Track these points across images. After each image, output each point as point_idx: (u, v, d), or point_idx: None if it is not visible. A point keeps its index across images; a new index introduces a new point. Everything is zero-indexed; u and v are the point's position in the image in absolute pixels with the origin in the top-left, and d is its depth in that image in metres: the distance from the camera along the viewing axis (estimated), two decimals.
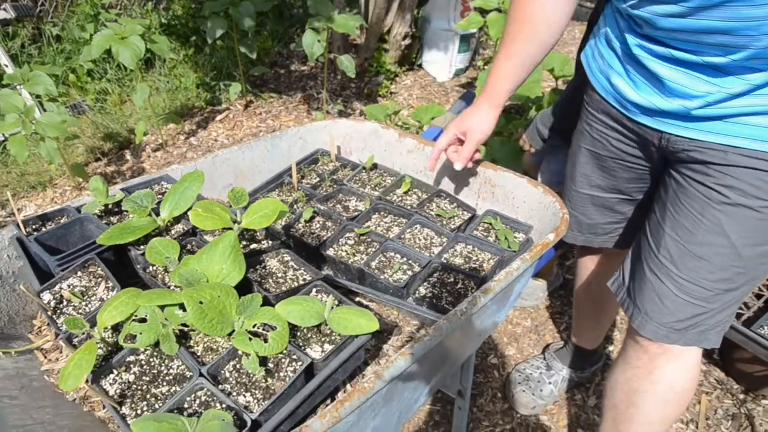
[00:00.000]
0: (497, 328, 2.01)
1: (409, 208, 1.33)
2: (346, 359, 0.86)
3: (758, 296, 1.70)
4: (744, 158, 0.92)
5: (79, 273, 1.03)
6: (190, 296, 0.80)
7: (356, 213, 1.31)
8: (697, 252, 1.00)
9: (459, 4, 3.51)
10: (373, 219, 1.32)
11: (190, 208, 1.05)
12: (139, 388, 0.82)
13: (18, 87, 2.37)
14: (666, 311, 1.06)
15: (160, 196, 1.20)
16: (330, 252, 1.18)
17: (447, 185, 1.41)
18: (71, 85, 3.26)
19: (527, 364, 1.82)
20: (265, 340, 0.83)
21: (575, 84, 1.66)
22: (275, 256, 1.06)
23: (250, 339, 0.82)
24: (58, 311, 0.97)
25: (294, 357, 0.85)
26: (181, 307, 0.86)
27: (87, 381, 0.80)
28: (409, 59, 3.79)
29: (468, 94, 1.70)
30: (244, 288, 0.92)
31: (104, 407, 0.89)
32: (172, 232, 1.10)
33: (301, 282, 1.00)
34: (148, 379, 0.84)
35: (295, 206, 1.36)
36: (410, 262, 1.16)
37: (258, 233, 1.12)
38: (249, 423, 0.74)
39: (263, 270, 1.02)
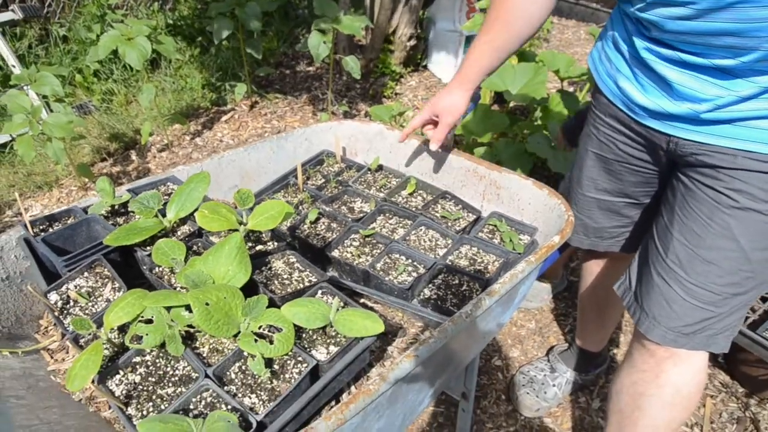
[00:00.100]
0: (501, 329, 2.01)
1: (414, 209, 1.33)
2: (351, 361, 0.86)
3: (764, 299, 1.69)
4: (754, 162, 0.91)
5: (86, 274, 1.03)
6: (197, 298, 0.80)
7: (361, 214, 1.32)
8: (706, 256, 1.00)
9: (464, 5, 3.51)
10: (378, 220, 1.32)
11: (196, 210, 1.06)
12: (145, 388, 0.83)
13: (25, 87, 2.39)
14: (674, 315, 1.05)
15: (166, 197, 1.20)
16: (335, 253, 1.18)
17: (452, 187, 1.41)
18: (78, 85, 3.28)
19: (531, 367, 1.81)
20: (271, 342, 0.83)
21: None
22: (281, 258, 1.06)
23: (255, 340, 0.82)
24: (65, 312, 0.97)
25: (299, 359, 0.85)
26: (188, 308, 0.86)
27: (93, 381, 0.80)
28: (415, 60, 3.79)
29: (474, 95, 1.69)
30: (249, 289, 0.92)
31: (110, 408, 0.90)
32: (179, 233, 1.10)
33: (307, 284, 1.01)
34: (154, 380, 0.84)
35: (300, 207, 1.36)
36: (415, 263, 1.16)
37: (264, 234, 1.13)
38: (254, 424, 0.74)
39: (269, 271, 1.02)
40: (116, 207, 1.18)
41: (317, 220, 1.30)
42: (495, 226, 1.28)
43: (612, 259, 1.46)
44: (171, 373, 0.85)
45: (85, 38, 3.44)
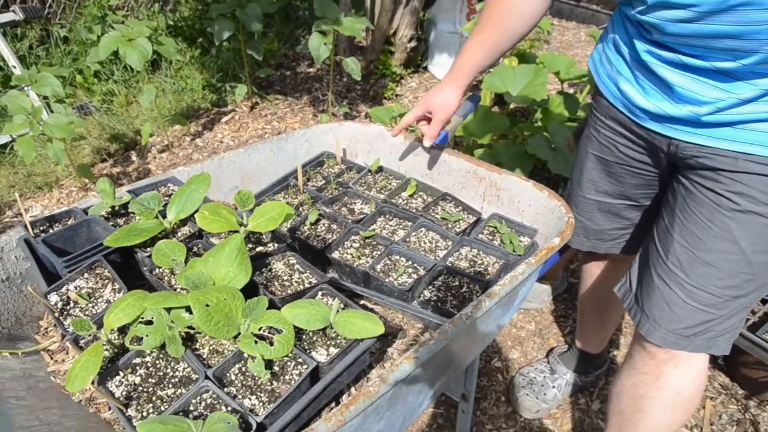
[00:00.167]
0: (501, 331, 2.01)
1: (414, 211, 1.33)
2: (352, 363, 0.86)
3: (764, 301, 1.69)
4: (754, 165, 0.91)
5: (86, 275, 1.03)
6: (197, 299, 0.80)
7: (361, 216, 1.32)
8: (707, 259, 1.00)
9: (465, 6, 3.51)
10: (379, 222, 1.32)
11: (196, 211, 1.06)
12: (145, 390, 0.83)
13: (26, 88, 2.39)
14: (674, 318, 1.05)
15: (166, 198, 1.21)
16: (335, 255, 1.18)
17: (452, 189, 1.41)
18: (78, 86, 3.28)
19: (531, 368, 1.81)
20: (271, 343, 0.83)
21: None
22: (281, 259, 1.06)
23: (255, 342, 0.82)
24: (65, 313, 0.97)
25: (299, 360, 0.85)
26: (188, 309, 0.86)
27: (93, 383, 0.80)
28: (415, 62, 3.80)
29: (474, 96, 1.69)
30: (250, 291, 0.92)
31: (110, 409, 0.90)
32: (179, 234, 1.10)
33: (307, 285, 1.01)
34: (154, 381, 0.84)
35: (300, 209, 1.36)
36: (415, 265, 1.16)
37: (264, 236, 1.13)
38: (254, 426, 0.74)
39: (269, 273, 1.02)
40: (116, 208, 1.18)
41: (317, 221, 1.30)
42: (495, 227, 1.28)
43: (612, 261, 1.46)
44: (171, 374, 0.85)
45: (86, 39, 3.44)
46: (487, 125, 2.51)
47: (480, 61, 1.22)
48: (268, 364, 0.83)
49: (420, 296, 1.12)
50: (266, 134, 3.16)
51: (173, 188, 1.27)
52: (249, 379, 0.83)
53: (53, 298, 0.99)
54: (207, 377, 0.81)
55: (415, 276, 1.13)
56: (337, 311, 0.88)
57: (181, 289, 0.96)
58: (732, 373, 1.85)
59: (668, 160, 1.07)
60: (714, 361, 1.90)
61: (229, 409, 0.77)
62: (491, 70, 2.70)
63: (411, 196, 1.40)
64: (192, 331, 0.90)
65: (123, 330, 0.92)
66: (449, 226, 1.29)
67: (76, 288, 1.01)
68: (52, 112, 2.31)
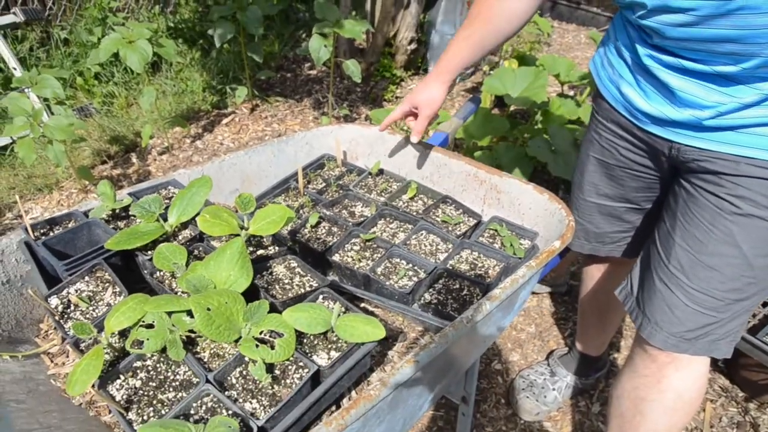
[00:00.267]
0: (502, 334, 2.01)
1: (414, 214, 1.33)
2: (352, 366, 0.86)
3: (764, 304, 1.69)
4: (756, 169, 0.91)
5: (87, 278, 1.03)
6: (198, 303, 0.80)
7: (362, 219, 1.32)
8: (708, 262, 1.00)
9: (465, 8, 3.52)
10: (379, 225, 1.32)
11: (197, 214, 1.06)
12: (145, 393, 0.82)
13: (26, 90, 2.39)
14: (676, 321, 1.05)
15: (167, 201, 1.20)
16: (336, 258, 1.18)
17: (453, 191, 1.41)
18: (79, 88, 3.28)
19: (531, 371, 1.81)
20: (272, 347, 0.83)
21: None
22: (282, 263, 1.06)
23: (257, 346, 0.82)
24: (66, 316, 0.97)
25: (300, 364, 0.85)
26: (189, 313, 0.86)
27: (94, 386, 0.80)
28: (415, 64, 3.80)
29: (475, 98, 1.69)
30: (251, 294, 0.92)
31: (110, 412, 0.89)
32: (180, 237, 1.10)
33: (308, 288, 1.00)
34: (154, 384, 0.84)
35: (301, 211, 1.36)
36: (416, 268, 1.16)
37: (265, 239, 1.13)
38: (255, 430, 0.74)
39: (270, 276, 1.02)
40: (117, 211, 1.18)
41: (318, 224, 1.30)
42: (496, 230, 1.28)
43: (613, 263, 1.46)
44: (172, 377, 0.85)
45: (86, 41, 3.45)
46: (487, 127, 2.51)
47: (465, 57, 1.23)
48: (269, 367, 0.83)
49: (420, 299, 1.11)
50: (266, 136, 3.16)
51: (174, 191, 1.27)
52: (250, 383, 0.83)
53: (54, 301, 0.99)
54: (208, 381, 0.81)
55: (415, 279, 1.13)
56: (338, 315, 0.88)
57: (182, 292, 0.96)
58: (732, 376, 1.85)
59: (669, 163, 1.07)
60: (714, 363, 1.89)
61: (230, 412, 0.77)
62: (491, 72, 2.70)
63: (411, 198, 1.40)
64: (193, 335, 0.89)
65: (124, 333, 0.92)
66: (450, 228, 1.29)
67: (76, 291, 1.01)
68: (52, 114, 2.31)
